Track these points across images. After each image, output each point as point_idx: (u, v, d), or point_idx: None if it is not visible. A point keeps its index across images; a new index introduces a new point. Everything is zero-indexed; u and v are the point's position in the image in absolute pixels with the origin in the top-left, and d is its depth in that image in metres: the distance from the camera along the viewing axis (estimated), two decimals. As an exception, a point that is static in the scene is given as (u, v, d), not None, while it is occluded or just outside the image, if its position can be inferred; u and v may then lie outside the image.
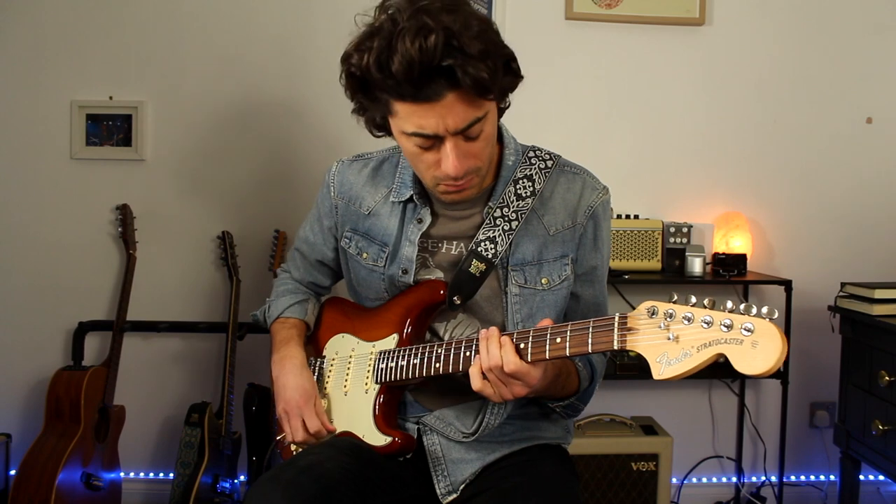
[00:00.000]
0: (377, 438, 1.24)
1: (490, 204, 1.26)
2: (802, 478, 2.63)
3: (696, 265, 2.34)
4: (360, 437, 1.26)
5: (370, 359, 1.30)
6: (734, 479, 2.60)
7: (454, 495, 1.24)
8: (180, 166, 2.49)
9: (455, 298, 1.24)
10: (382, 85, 1.08)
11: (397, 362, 1.24)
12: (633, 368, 2.34)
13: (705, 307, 0.90)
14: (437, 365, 1.18)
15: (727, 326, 0.87)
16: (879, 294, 2.10)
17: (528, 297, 1.26)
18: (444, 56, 1.02)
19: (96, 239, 2.49)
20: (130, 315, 2.38)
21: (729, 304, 0.89)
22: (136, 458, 2.51)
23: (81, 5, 2.43)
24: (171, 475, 2.35)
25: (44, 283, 2.48)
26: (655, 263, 2.41)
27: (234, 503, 2.30)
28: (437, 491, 1.24)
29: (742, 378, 2.53)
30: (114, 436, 2.35)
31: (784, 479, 2.42)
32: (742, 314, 0.87)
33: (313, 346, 1.45)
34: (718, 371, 2.38)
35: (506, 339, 1.08)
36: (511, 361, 1.06)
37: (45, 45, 2.44)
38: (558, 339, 1.04)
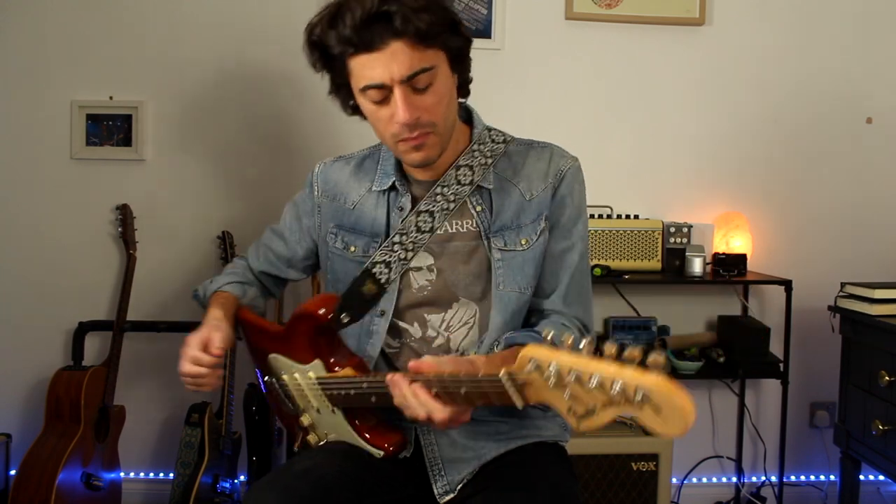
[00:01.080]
0: (372, 451, 1.25)
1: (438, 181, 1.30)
2: (802, 478, 2.62)
3: (696, 265, 2.34)
4: (359, 446, 1.26)
5: (315, 386, 1.28)
6: (734, 479, 2.60)
7: (451, 495, 1.24)
8: (180, 166, 2.49)
9: (343, 316, 1.25)
10: (336, 42, 1.15)
11: (343, 391, 1.22)
12: (632, 368, 2.34)
13: (589, 358, 0.79)
14: (373, 399, 1.16)
15: (619, 392, 0.76)
16: (879, 294, 2.10)
17: (509, 259, 1.29)
18: (383, 4, 1.11)
19: (96, 239, 2.49)
20: (130, 315, 2.38)
21: (610, 349, 0.77)
22: (136, 458, 2.51)
23: (81, 6, 2.43)
24: (171, 475, 2.35)
25: (44, 283, 2.48)
26: (655, 263, 2.41)
27: (234, 503, 2.30)
28: (435, 491, 1.24)
29: (742, 379, 2.53)
30: (114, 436, 2.35)
31: (784, 479, 2.42)
32: (631, 370, 0.75)
33: (259, 365, 1.43)
34: (718, 371, 2.40)
35: (417, 387, 1.04)
36: (437, 409, 1.03)
37: (45, 45, 2.44)
38: (463, 390, 0.99)
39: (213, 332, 1.31)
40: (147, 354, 2.50)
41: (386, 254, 1.29)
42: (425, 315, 1.32)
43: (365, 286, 1.28)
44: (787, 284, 2.31)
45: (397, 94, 1.15)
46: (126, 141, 2.46)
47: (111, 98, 2.46)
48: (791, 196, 2.56)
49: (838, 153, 2.56)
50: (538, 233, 1.30)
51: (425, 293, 1.31)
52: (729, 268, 2.36)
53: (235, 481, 2.36)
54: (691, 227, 2.42)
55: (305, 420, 1.34)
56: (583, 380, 0.79)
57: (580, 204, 1.35)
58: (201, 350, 1.28)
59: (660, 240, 2.41)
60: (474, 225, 1.30)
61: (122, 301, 2.35)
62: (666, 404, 0.73)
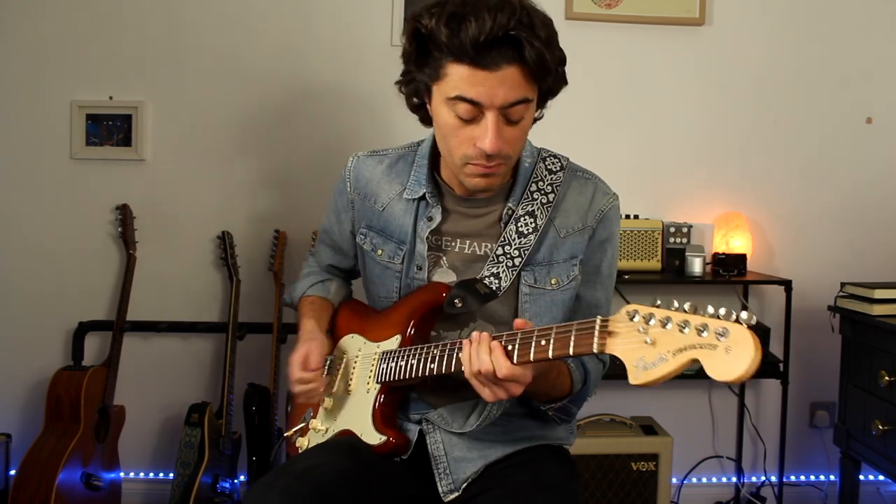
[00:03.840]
0: (373, 437, 1.25)
1: (510, 204, 1.28)
2: (802, 478, 2.63)
3: (696, 265, 2.34)
4: (359, 435, 1.27)
5: (374, 359, 1.31)
6: (734, 479, 2.60)
7: (456, 493, 1.24)
8: (180, 166, 2.49)
9: (456, 301, 1.24)
10: (446, 44, 1.09)
11: (397, 363, 1.25)
12: (633, 368, 2.34)
13: (685, 311, 0.89)
14: (432, 366, 1.18)
15: (702, 331, 0.85)
16: (879, 294, 2.10)
17: (537, 296, 1.27)
18: (516, 28, 1.07)
19: (96, 239, 2.49)
20: (130, 315, 2.38)
21: (710, 309, 0.87)
22: (136, 458, 2.51)
23: (81, 5, 2.43)
24: (171, 475, 2.35)
25: (44, 283, 2.48)
26: (655, 263, 2.41)
27: (234, 503, 2.30)
28: (439, 489, 1.24)
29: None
30: (114, 436, 2.35)
31: (784, 479, 2.42)
32: (719, 318, 0.85)
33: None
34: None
35: (495, 343, 1.07)
36: (503, 366, 1.05)
37: (45, 45, 2.44)
38: (542, 342, 1.03)
39: (310, 347, 1.31)
40: (147, 354, 2.50)
41: (493, 266, 1.26)
42: (441, 332, 1.31)
43: (478, 285, 1.25)
44: (787, 284, 2.31)
45: (490, 120, 1.12)
46: (126, 141, 2.46)
47: (111, 98, 2.46)
48: (791, 196, 2.56)
49: (838, 153, 2.56)
50: (570, 277, 1.29)
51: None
52: (729, 268, 2.36)
53: (235, 481, 2.36)
54: (691, 227, 2.42)
55: (325, 403, 1.35)
56: (671, 323, 0.88)
57: (617, 248, 1.36)
58: (303, 369, 1.29)
59: (660, 240, 2.41)
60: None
61: (122, 301, 2.35)
62: (738, 345, 0.82)
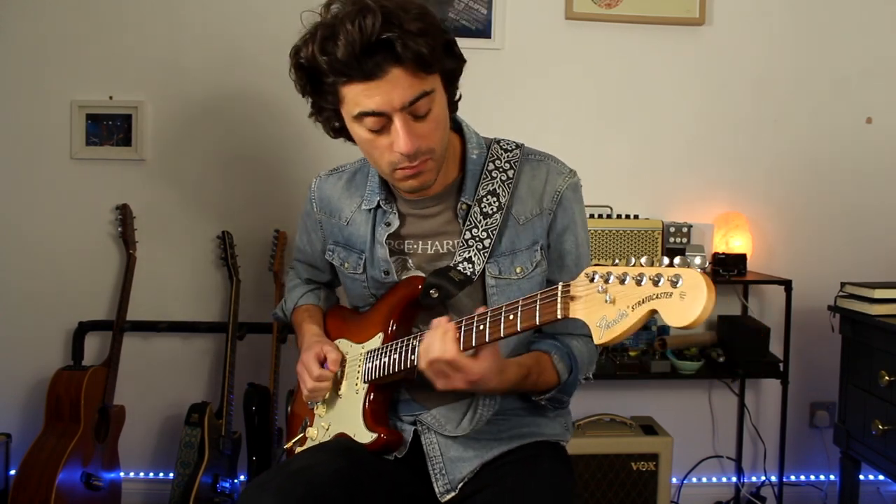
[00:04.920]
0: (365, 436, 1.26)
1: (463, 199, 1.28)
2: (802, 478, 2.63)
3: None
4: (352, 435, 1.27)
5: (360, 360, 1.32)
6: (734, 479, 2.60)
7: (453, 493, 1.24)
8: (180, 166, 2.49)
9: (432, 291, 1.25)
10: (329, 69, 1.11)
11: (381, 359, 1.26)
12: (632, 368, 2.34)
13: (641, 265, 0.88)
14: (413, 357, 1.19)
15: (656, 281, 0.85)
16: (879, 294, 2.09)
17: (503, 286, 1.27)
18: (384, 31, 1.06)
19: (96, 239, 2.49)
20: (130, 315, 2.38)
21: (665, 260, 0.86)
22: (136, 458, 2.51)
23: (81, 6, 2.43)
24: (171, 475, 2.35)
25: (44, 283, 2.48)
26: (655, 263, 2.40)
27: (234, 503, 2.30)
28: (436, 489, 1.24)
29: (742, 379, 2.53)
30: (114, 436, 2.35)
31: (784, 479, 2.42)
32: (672, 267, 0.85)
33: None
34: (718, 371, 2.40)
35: (450, 326, 1.10)
36: (448, 350, 1.08)
37: (45, 45, 2.44)
38: (511, 317, 1.04)
39: (325, 348, 1.34)
40: (147, 354, 2.50)
41: (464, 251, 1.26)
42: (421, 327, 1.31)
43: (452, 272, 1.25)
44: (787, 284, 2.31)
45: (398, 123, 1.12)
46: (126, 141, 2.46)
47: (111, 98, 2.46)
48: (791, 196, 2.56)
49: (838, 153, 2.56)
50: (534, 263, 1.28)
51: None
52: (729, 268, 2.36)
53: (235, 481, 2.36)
54: (691, 227, 2.42)
55: (319, 410, 1.37)
56: (629, 278, 0.88)
57: (584, 227, 1.33)
58: (320, 366, 1.32)
59: (660, 240, 2.41)
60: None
61: (122, 301, 2.35)
62: (692, 289, 0.82)
